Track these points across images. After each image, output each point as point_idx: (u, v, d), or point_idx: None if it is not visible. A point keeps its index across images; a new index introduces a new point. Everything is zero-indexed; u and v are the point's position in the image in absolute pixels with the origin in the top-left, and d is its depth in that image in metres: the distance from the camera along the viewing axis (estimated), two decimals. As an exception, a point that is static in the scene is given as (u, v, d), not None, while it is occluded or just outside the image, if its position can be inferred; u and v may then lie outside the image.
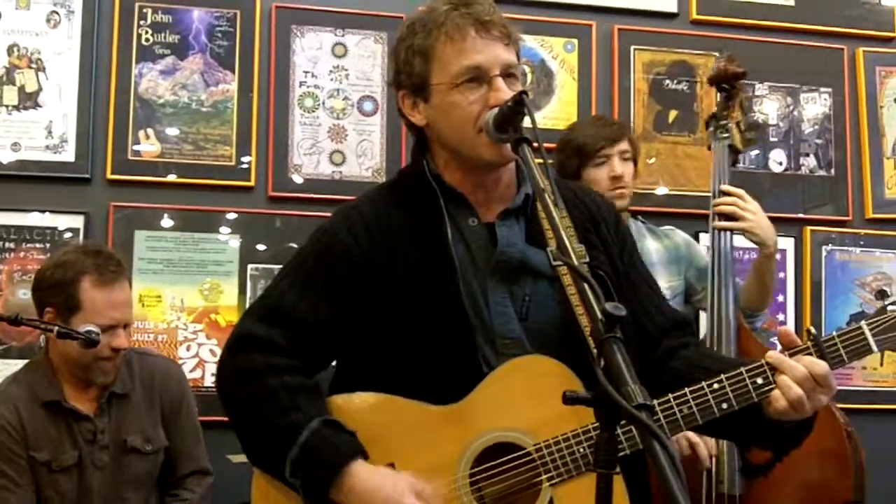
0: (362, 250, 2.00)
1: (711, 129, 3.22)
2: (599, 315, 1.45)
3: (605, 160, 3.19)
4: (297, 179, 3.91)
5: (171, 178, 3.83)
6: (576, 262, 1.57)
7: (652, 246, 3.32)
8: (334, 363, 2.13)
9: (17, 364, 3.27)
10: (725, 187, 3.09)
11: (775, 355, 1.87)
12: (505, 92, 1.91)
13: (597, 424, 1.82)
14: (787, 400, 1.83)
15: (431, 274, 1.96)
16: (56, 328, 2.70)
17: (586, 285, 1.50)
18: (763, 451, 2.68)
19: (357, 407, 1.98)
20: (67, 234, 3.72)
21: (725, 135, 3.17)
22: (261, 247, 3.86)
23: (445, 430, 1.92)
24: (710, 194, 3.13)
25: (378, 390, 1.97)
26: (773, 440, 1.98)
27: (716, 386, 1.87)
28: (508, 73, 1.96)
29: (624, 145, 3.23)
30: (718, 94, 3.26)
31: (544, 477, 1.87)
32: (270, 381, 1.95)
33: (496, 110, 1.89)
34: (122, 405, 2.99)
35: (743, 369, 1.87)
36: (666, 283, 3.23)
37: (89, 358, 2.87)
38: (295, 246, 3.73)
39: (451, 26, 1.96)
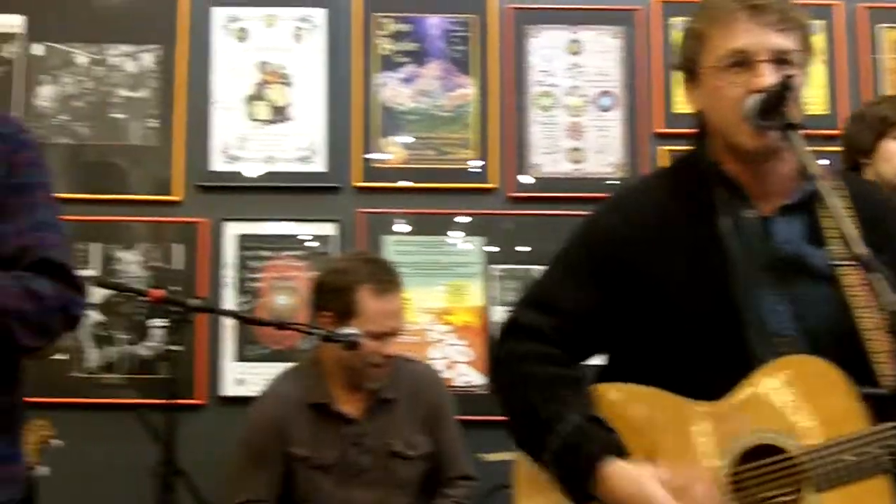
0: (629, 235, 1.97)
1: None
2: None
3: None
4: (536, 179, 3.91)
5: (414, 183, 3.91)
6: (864, 252, 1.47)
7: None
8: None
9: (274, 367, 3.41)
10: None
11: None
12: (767, 77, 1.83)
13: (867, 432, 1.73)
14: None
15: (703, 265, 1.91)
16: (319, 332, 2.80)
17: (878, 275, 1.40)
18: None
19: (618, 397, 1.96)
20: (318, 243, 3.85)
21: None
22: (502, 247, 3.87)
23: (707, 428, 1.86)
24: None
25: (644, 381, 1.93)
26: None
27: None
28: (782, 60, 1.87)
29: None
30: None
31: (810, 483, 1.77)
32: (535, 368, 1.97)
33: (759, 96, 1.82)
34: (387, 410, 3.05)
35: None
36: None
37: (360, 363, 2.96)
38: (529, 249, 3.80)
39: (721, 9, 1.92)
